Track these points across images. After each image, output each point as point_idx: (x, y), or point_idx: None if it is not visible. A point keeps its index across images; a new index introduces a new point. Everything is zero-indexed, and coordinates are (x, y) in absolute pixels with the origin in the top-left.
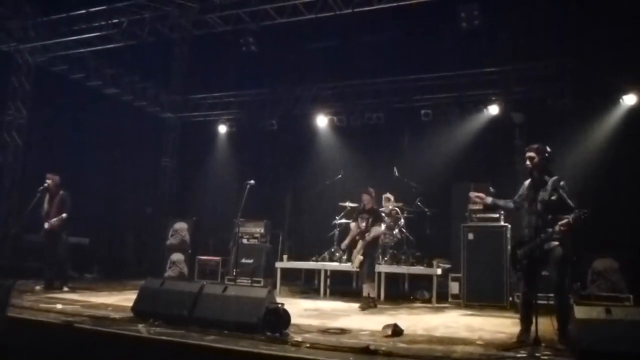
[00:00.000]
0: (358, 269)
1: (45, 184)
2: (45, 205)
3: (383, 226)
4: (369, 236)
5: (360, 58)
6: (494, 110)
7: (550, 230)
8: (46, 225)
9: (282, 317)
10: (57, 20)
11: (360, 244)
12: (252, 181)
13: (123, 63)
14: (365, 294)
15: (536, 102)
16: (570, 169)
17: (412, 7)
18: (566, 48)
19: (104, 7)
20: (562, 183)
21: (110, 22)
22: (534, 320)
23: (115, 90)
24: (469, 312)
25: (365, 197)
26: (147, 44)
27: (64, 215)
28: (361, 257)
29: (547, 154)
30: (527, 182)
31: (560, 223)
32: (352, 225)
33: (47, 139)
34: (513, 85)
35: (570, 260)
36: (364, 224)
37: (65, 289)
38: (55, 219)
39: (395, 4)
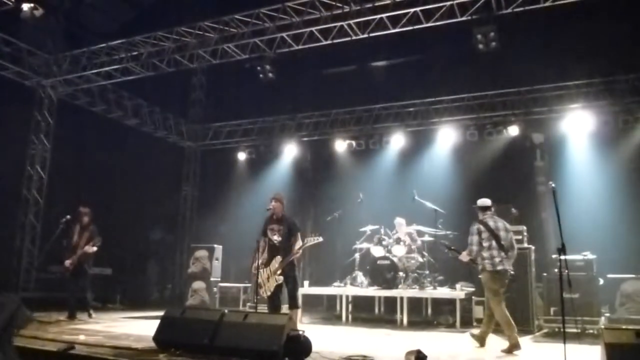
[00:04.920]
0: (270, 294)
1: (68, 217)
2: (75, 237)
3: (299, 236)
4: (295, 250)
5: (377, 82)
6: (513, 131)
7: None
8: (74, 257)
9: (303, 345)
10: (79, 54)
11: (277, 261)
12: (272, 207)
13: (143, 94)
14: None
15: (557, 123)
16: (596, 189)
17: (428, 31)
18: (586, 67)
19: (123, 40)
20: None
21: (130, 54)
22: None
23: (136, 121)
24: (494, 337)
25: (276, 205)
26: (166, 74)
27: (94, 248)
28: (280, 279)
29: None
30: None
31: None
32: (274, 239)
33: (69, 170)
34: (532, 106)
35: None
36: (276, 237)
37: (89, 319)
38: (83, 252)
39: (410, 28)
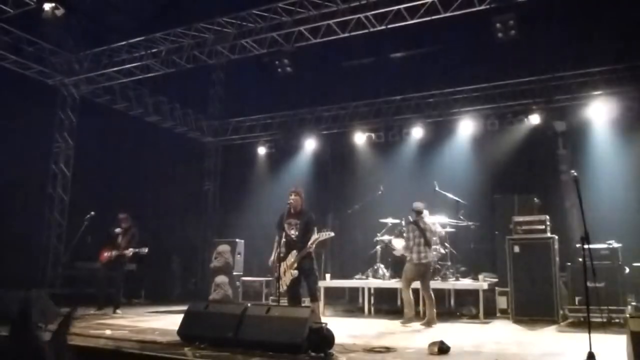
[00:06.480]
0: (286, 287)
1: (92, 213)
2: (120, 238)
3: (316, 231)
4: (309, 245)
5: (396, 73)
6: (535, 120)
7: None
8: (113, 252)
9: (326, 337)
10: (99, 52)
11: (292, 256)
12: (291, 201)
13: (163, 91)
14: None
15: (579, 110)
16: (619, 177)
17: (446, 20)
18: (608, 53)
19: (142, 38)
20: None
21: (149, 51)
22: None
23: (156, 117)
24: (519, 327)
25: (295, 198)
26: (186, 70)
27: (130, 252)
28: (295, 272)
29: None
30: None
31: None
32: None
33: (93, 167)
34: (553, 94)
35: None
36: (293, 231)
37: (118, 311)
38: (120, 253)
39: (428, 18)
